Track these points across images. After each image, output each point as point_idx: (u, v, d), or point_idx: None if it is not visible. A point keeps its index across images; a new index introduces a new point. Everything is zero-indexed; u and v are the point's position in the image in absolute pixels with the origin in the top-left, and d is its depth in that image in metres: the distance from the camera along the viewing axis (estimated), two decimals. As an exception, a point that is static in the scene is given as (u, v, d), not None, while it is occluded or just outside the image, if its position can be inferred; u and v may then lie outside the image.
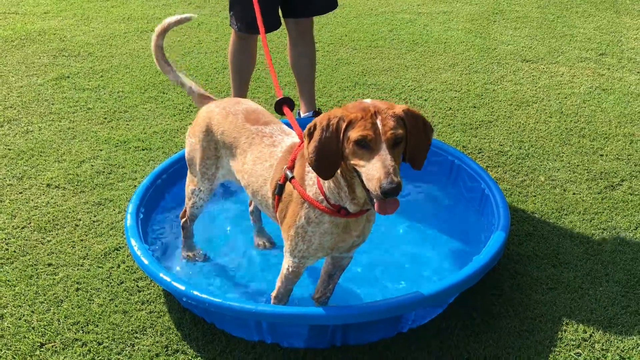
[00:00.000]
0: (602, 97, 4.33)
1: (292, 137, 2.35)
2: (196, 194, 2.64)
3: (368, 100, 1.98)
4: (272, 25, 3.41)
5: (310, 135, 1.96)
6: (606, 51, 5.05)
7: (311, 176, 2.12)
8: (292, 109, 2.53)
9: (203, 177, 2.58)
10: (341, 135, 1.91)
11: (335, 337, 2.43)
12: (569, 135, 3.88)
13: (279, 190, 2.21)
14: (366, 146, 1.88)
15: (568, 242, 2.98)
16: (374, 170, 1.86)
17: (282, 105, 2.53)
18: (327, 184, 2.07)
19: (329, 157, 1.94)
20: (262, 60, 4.74)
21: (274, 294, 2.44)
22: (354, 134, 1.89)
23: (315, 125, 1.96)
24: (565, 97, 4.34)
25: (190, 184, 2.66)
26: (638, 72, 4.70)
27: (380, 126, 1.88)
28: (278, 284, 2.40)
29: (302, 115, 3.84)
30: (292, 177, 2.15)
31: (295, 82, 3.89)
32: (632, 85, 4.49)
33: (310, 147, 1.95)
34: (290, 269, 2.30)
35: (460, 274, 2.44)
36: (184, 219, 2.79)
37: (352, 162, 1.92)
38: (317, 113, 3.76)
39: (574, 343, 2.46)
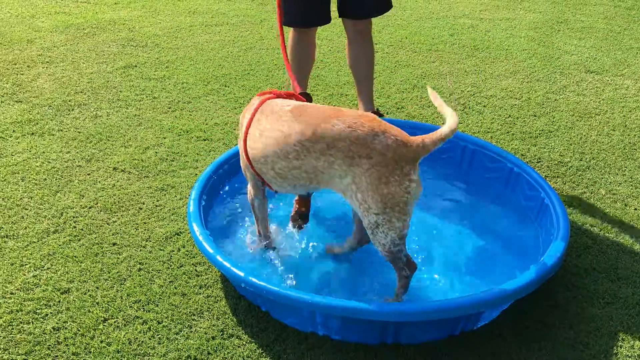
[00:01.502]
0: (669, 113, 4.22)
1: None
2: None
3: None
4: (316, 20, 3.42)
5: None
6: (675, 66, 4.91)
7: None
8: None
9: None
10: None
11: (387, 334, 2.46)
12: (632, 150, 3.79)
13: None
14: None
15: (627, 258, 2.92)
16: None
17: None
18: None
19: None
20: (321, 57, 4.80)
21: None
22: None
23: None
24: (630, 111, 4.24)
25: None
26: None
27: None
28: None
29: None
30: None
31: (353, 82, 3.92)
32: (701, 102, 4.36)
33: None
34: None
35: (518, 281, 2.43)
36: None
37: None
38: (375, 113, 3.78)
39: (630, 359, 2.42)
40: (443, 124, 2.39)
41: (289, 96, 2.65)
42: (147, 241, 2.97)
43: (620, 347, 2.47)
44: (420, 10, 6.05)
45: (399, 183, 2.28)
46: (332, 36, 5.27)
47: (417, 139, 2.36)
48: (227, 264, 2.50)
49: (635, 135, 3.95)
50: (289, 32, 3.62)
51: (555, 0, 6.36)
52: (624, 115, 4.18)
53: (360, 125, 2.31)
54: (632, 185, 3.46)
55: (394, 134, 2.32)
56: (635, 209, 3.26)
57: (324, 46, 5.09)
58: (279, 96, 2.62)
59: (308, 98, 2.63)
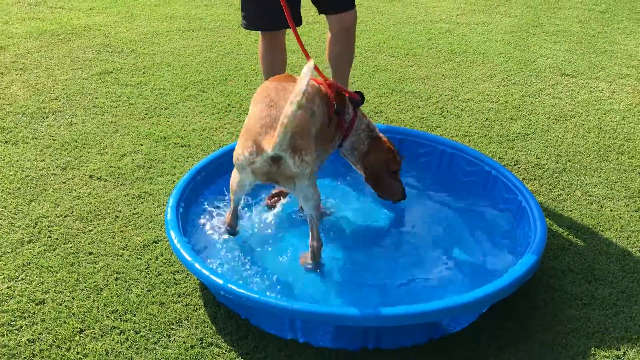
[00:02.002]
0: (643, 115, 4.29)
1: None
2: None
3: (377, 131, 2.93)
4: (282, 22, 3.33)
5: (375, 177, 2.97)
6: (648, 68, 4.99)
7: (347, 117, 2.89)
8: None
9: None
10: (389, 166, 3.00)
11: (368, 340, 2.45)
12: (608, 152, 3.84)
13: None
14: (395, 173, 3.01)
15: (604, 259, 2.96)
16: (398, 188, 3.05)
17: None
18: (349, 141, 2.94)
19: (391, 184, 3.04)
20: (292, 61, 4.79)
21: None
22: (393, 167, 3.01)
23: (374, 170, 2.94)
24: (605, 113, 4.30)
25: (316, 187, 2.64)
26: (680, 91, 4.64)
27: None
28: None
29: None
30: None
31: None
32: (673, 104, 4.44)
33: (381, 184, 2.98)
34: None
35: (496, 284, 2.44)
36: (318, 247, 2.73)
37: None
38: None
39: (608, 360, 2.45)
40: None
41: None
42: (124, 250, 2.93)
43: (598, 348, 2.49)
44: (397, 15, 6.08)
45: None
46: (310, 32, 5.27)
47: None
48: (206, 272, 2.47)
49: (609, 137, 4.01)
50: (259, 38, 3.63)
51: (530, 5, 6.44)
52: (599, 118, 4.24)
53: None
54: (607, 186, 3.50)
55: None
56: (611, 210, 3.30)
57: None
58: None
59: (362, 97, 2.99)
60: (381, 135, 2.99)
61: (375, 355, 2.46)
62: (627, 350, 2.49)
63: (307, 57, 2.80)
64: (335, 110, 2.81)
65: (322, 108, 2.70)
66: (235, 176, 2.64)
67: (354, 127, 2.90)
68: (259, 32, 3.54)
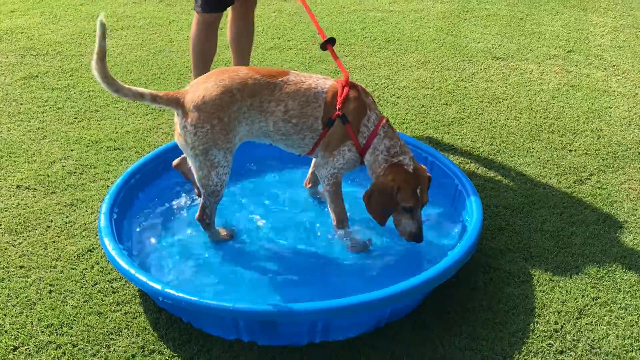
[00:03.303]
0: (570, 94, 4.43)
1: (320, 80, 2.76)
2: (220, 173, 2.68)
3: (407, 160, 2.72)
4: (229, 2, 3.62)
5: (370, 197, 2.71)
6: (574, 48, 5.16)
7: (364, 130, 2.73)
8: (333, 46, 2.99)
9: (226, 152, 2.67)
10: (394, 198, 2.68)
11: (314, 334, 2.44)
12: (539, 131, 3.95)
13: (330, 124, 2.71)
14: (409, 211, 2.70)
15: (539, 236, 3.04)
16: (409, 227, 2.73)
17: (327, 44, 2.96)
18: (369, 159, 2.77)
19: (385, 212, 2.74)
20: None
21: (333, 220, 2.86)
22: (402, 202, 2.68)
23: (373, 191, 2.71)
24: (535, 94, 4.42)
25: (210, 170, 2.66)
26: (605, 69, 4.81)
27: (419, 195, 2.70)
28: (333, 208, 2.85)
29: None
30: (348, 122, 2.70)
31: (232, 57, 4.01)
32: (599, 82, 4.60)
33: (372, 206, 2.72)
34: (331, 180, 2.80)
35: (436, 268, 2.48)
36: (203, 219, 2.81)
37: (394, 214, 2.74)
38: None
39: (546, 334, 2.52)
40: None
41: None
42: (57, 261, 2.82)
43: (537, 324, 2.56)
44: (331, 5, 6.07)
45: None
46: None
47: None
48: (143, 278, 2.41)
49: (540, 117, 4.12)
50: (193, 24, 3.66)
51: (460, -10, 6.55)
52: (530, 99, 4.36)
53: None
54: (539, 165, 3.60)
55: None
56: (544, 189, 3.40)
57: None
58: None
59: (333, 41, 3.02)
60: (405, 163, 2.71)
61: (323, 348, 2.45)
62: (564, 324, 2.57)
63: (323, 35, 2.99)
64: (341, 117, 2.69)
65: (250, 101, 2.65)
66: None
67: (370, 145, 2.73)
68: (201, 18, 3.61)
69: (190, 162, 2.73)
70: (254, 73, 2.68)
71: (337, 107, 2.69)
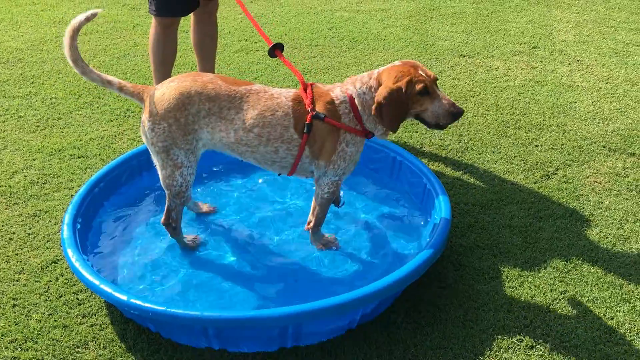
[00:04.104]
0: (536, 89, 4.48)
1: (284, 90, 2.68)
2: (185, 174, 2.64)
3: (398, 62, 2.55)
4: (194, 5, 3.58)
5: (382, 105, 2.47)
6: (538, 44, 5.22)
7: (342, 108, 2.59)
8: (282, 52, 2.87)
9: (188, 152, 2.62)
10: (404, 96, 2.47)
11: (285, 339, 2.42)
12: (506, 128, 3.98)
13: (308, 129, 2.58)
14: (426, 92, 2.49)
15: (507, 232, 3.06)
16: (439, 108, 2.51)
17: (274, 50, 2.84)
18: (369, 117, 2.59)
19: (401, 114, 2.52)
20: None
21: (313, 224, 2.83)
22: (415, 89, 2.47)
23: (380, 105, 2.48)
24: (501, 90, 4.46)
25: (173, 169, 2.63)
26: (569, 64, 4.88)
27: (425, 74, 2.50)
28: (318, 214, 2.79)
29: None
30: (325, 116, 2.58)
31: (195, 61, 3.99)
32: (563, 77, 4.66)
33: (385, 118, 2.50)
34: (331, 189, 2.72)
35: (405, 268, 2.47)
36: (169, 224, 2.77)
37: (415, 110, 2.52)
38: None
39: (516, 329, 2.53)
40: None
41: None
42: (20, 274, 2.75)
43: (507, 320, 2.58)
44: (298, 5, 6.05)
45: None
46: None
47: None
48: (108, 289, 2.35)
49: (507, 113, 4.16)
50: (151, 27, 3.59)
51: (426, -11, 6.58)
52: (496, 95, 4.39)
53: None
54: (507, 161, 3.63)
55: None
56: (512, 184, 3.43)
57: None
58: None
59: (281, 47, 2.90)
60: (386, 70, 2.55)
61: (295, 354, 2.43)
62: (533, 319, 2.58)
63: (268, 41, 2.90)
64: (315, 116, 2.56)
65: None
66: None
67: (360, 112, 2.57)
68: (157, 20, 3.55)
69: (154, 161, 2.69)
70: (217, 79, 2.65)
71: (309, 108, 2.58)
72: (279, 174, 2.78)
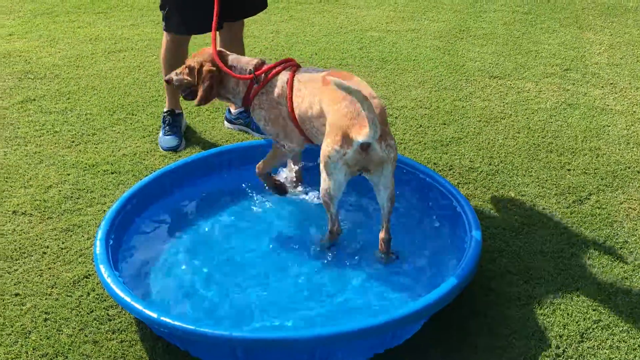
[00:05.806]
0: (568, 112, 4.43)
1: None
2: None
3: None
4: (208, 25, 3.54)
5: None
6: (570, 66, 5.17)
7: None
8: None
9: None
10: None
11: (312, 360, 2.41)
12: (537, 151, 3.94)
13: None
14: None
15: (539, 258, 3.02)
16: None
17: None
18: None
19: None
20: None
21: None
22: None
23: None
24: (533, 113, 4.42)
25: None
26: (602, 87, 4.82)
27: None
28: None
29: (232, 112, 4.05)
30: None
31: None
32: (596, 100, 4.60)
33: None
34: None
35: (436, 292, 2.45)
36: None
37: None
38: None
39: (548, 359, 2.48)
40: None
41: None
42: (52, 288, 2.79)
43: (538, 348, 2.53)
44: (328, 25, 6.10)
45: None
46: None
47: None
48: (139, 306, 2.38)
49: (538, 136, 4.12)
50: (163, 42, 3.70)
51: (456, 9, 6.58)
52: (527, 117, 4.35)
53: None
54: (538, 185, 3.59)
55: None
56: (543, 209, 3.38)
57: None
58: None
59: None
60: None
61: (321, 376, 2.42)
62: (566, 348, 2.53)
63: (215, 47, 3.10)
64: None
65: None
66: (328, 182, 2.72)
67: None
68: (177, 36, 3.62)
69: (384, 180, 2.77)
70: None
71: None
72: None
